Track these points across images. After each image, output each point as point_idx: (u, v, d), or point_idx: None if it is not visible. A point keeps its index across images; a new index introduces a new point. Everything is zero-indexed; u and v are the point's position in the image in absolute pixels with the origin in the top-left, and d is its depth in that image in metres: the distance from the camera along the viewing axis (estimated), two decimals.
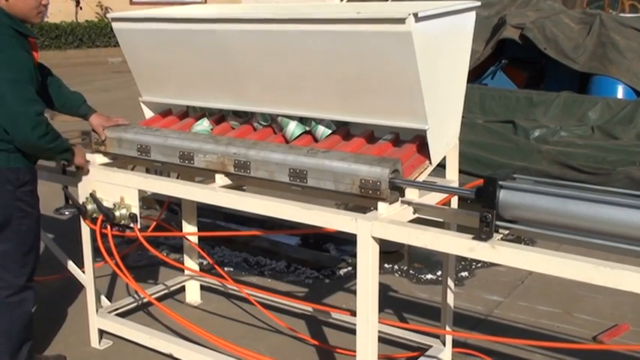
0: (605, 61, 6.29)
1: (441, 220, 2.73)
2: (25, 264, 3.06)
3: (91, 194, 3.23)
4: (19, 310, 3.07)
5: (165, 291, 4.05)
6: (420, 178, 2.71)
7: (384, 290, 4.21)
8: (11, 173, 2.94)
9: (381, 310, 2.63)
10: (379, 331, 2.65)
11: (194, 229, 4.04)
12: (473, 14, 2.88)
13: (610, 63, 6.27)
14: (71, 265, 3.73)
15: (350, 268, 4.57)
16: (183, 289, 4.15)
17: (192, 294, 4.15)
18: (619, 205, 2.12)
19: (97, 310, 3.53)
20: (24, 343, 3.10)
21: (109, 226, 3.19)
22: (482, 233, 2.27)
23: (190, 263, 4.06)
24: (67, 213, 3.42)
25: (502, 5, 7.50)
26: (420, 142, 2.77)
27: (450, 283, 3.21)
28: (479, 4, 2.90)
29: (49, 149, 2.98)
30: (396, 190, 2.56)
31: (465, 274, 4.55)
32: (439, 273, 4.46)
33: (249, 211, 2.84)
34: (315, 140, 2.97)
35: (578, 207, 2.16)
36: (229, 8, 3.81)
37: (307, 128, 3.01)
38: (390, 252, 4.76)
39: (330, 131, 2.95)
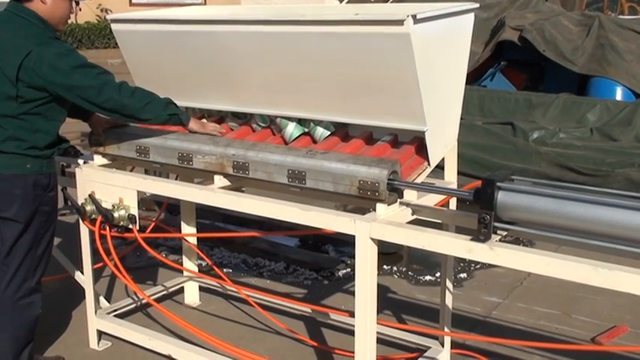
0: (604, 63, 6.29)
1: (440, 221, 2.74)
2: (37, 267, 3.10)
3: (89, 195, 3.23)
4: (28, 313, 3.10)
5: (164, 292, 4.05)
6: (419, 180, 2.72)
7: (382, 291, 4.21)
8: (44, 178, 3.02)
9: (379, 311, 2.63)
10: (378, 332, 2.66)
11: (193, 230, 4.04)
12: (471, 16, 2.89)
13: (609, 65, 6.27)
14: (70, 267, 3.73)
15: (349, 270, 4.57)
16: (182, 290, 4.15)
17: (191, 295, 4.15)
18: (617, 206, 2.12)
19: (95, 311, 3.53)
20: (27, 346, 3.13)
21: (107, 227, 3.19)
22: (481, 234, 2.28)
23: (189, 264, 4.07)
24: (65, 214, 3.42)
25: (501, 7, 7.50)
26: (418, 143, 2.77)
27: (449, 284, 3.22)
28: (477, 6, 2.91)
29: (148, 105, 2.96)
30: (395, 192, 2.56)
31: (463, 275, 4.55)
32: (438, 274, 4.46)
33: (247, 212, 2.85)
34: (314, 141, 2.98)
35: (576, 208, 2.17)
36: (228, 10, 3.81)
37: (306, 129, 3.01)
38: (388, 253, 4.76)
39: (328, 132, 2.96)
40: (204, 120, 3.29)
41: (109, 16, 3.44)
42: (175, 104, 3.07)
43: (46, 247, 3.12)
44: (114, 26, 3.37)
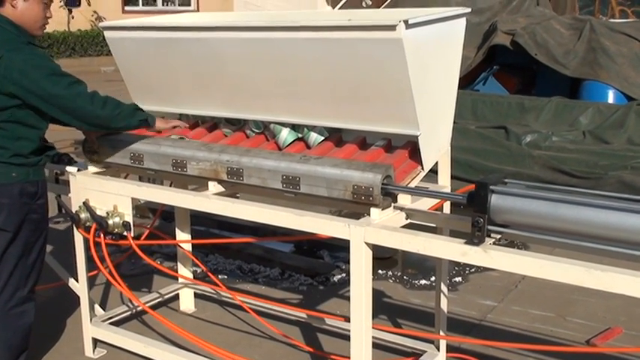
0: (596, 67, 6.32)
1: (434, 225, 2.75)
2: (29, 275, 3.09)
3: (84, 203, 3.23)
4: (21, 321, 3.09)
5: (159, 299, 4.04)
6: (413, 184, 2.73)
7: (378, 296, 4.22)
8: (31, 187, 3.01)
9: (375, 315, 2.64)
10: (373, 337, 2.66)
11: (188, 236, 4.04)
12: (463, 21, 2.90)
13: (600, 68, 6.30)
14: (65, 274, 3.72)
15: (344, 275, 4.57)
16: (177, 297, 4.15)
17: (187, 302, 4.15)
18: (610, 208, 2.13)
19: (90, 319, 3.53)
20: (21, 354, 3.13)
21: (102, 235, 3.19)
22: (475, 238, 2.29)
23: (184, 271, 4.06)
24: (60, 222, 3.43)
25: (493, 12, 7.53)
26: (412, 148, 2.78)
27: (444, 288, 3.22)
28: (469, 10, 2.93)
29: (119, 115, 2.98)
30: (389, 196, 2.57)
31: (458, 279, 4.56)
32: (433, 278, 4.47)
33: (242, 218, 2.85)
34: (308, 147, 2.98)
35: (570, 211, 2.18)
36: (222, 16, 3.82)
37: (300, 135, 3.02)
38: (383, 258, 4.76)
39: (322, 138, 2.96)
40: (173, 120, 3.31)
41: (101, 24, 3.45)
42: (141, 109, 3.11)
43: (38, 255, 3.11)
44: (107, 34, 3.37)
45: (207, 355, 3.22)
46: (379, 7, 7.67)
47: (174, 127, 3.25)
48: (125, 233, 3.15)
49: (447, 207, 3.02)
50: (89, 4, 17.75)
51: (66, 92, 2.87)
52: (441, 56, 2.79)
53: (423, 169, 2.78)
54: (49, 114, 2.95)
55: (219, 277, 4.48)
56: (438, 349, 3.32)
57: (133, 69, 3.40)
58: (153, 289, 4.33)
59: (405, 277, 4.62)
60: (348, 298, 2.76)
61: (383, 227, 2.49)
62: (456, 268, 4.67)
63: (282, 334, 3.58)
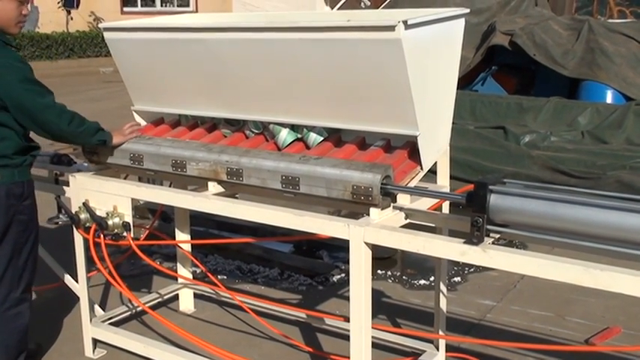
0: (594, 67, 6.34)
1: (433, 225, 2.75)
2: (21, 276, 3.09)
3: (84, 203, 3.23)
4: (16, 323, 3.10)
5: (159, 299, 4.05)
6: (412, 184, 2.74)
7: (377, 296, 4.23)
8: (17, 188, 3.00)
9: (374, 315, 2.64)
10: (373, 337, 2.67)
11: (187, 237, 4.05)
12: (462, 21, 2.91)
13: (599, 68, 6.32)
14: (64, 275, 3.73)
15: (343, 275, 4.58)
16: (176, 297, 4.15)
17: (186, 302, 4.16)
18: (609, 208, 2.14)
19: (90, 320, 3.53)
20: (19, 355, 3.13)
21: (102, 235, 3.19)
22: (474, 237, 2.29)
23: (184, 271, 4.07)
24: (59, 222, 3.43)
25: (491, 12, 7.56)
26: (411, 148, 2.79)
27: (443, 288, 3.23)
28: (468, 11, 2.93)
29: (82, 132, 3.04)
30: (388, 196, 2.58)
31: (457, 279, 4.57)
32: (432, 278, 4.47)
33: (242, 218, 2.85)
34: (307, 147, 2.99)
35: (568, 210, 2.18)
36: (221, 17, 3.83)
37: (299, 135, 3.02)
38: (382, 258, 4.77)
39: (321, 138, 2.97)
40: (128, 126, 3.32)
41: (101, 25, 3.45)
42: (102, 130, 3.15)
43: (28, 255, 3.10)
44: (106, 34, 3.38)
45: (206, 355, 3.23)
46: (378, 8, 7.68)
47: (131, 131, 3.26)
48: (125, 234, 3.15)
49: (446, 207, 3.03)
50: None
51: (36, 102, 2.90)
52: (439, 57, 2.80)
53: (422, 169, 2.78)
54: (16, 119, 2.93)
55: (219, 277, 4.49)
56: (438, 349, 3.33)
57: (133, 70, 3.41)
58: (152, 289, 4.33)
59: (404, 277, 4.63)
60: (347, 298, 2.77)
61: (382, 227, 2.50)
62: (455, 268, 4.67)
63: (281, 334, 3.59)
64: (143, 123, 3.53)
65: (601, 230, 2.15)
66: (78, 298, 3.56)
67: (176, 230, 4.03)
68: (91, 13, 19.04)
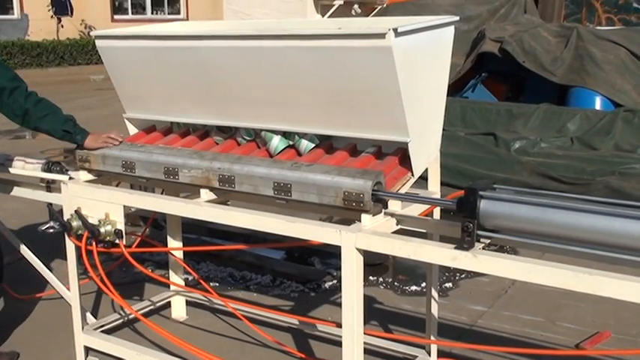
0: (583, 74, 6.39)
1: (424, 230, 2.76)
2: None
3: (76, 211, 3.23)
4: None
5: (151, 307, 4.05)
6: (403, 190, 2.75)
7: (369, 302, 4.24)
8: None
9: (366, 321, 2.65)
10: (365, 343, 2.67)
11: (179, 244, 4.05)
12: (452, 29, 2.94)
13: (587, 75, 6.37)
14: (56, 283, 3.72)
15: (335, 281, 4.59)
16: (168, 304, 4.15)
17: (178, 309, 4.15)
18: (597, 213, 2.16)
19: (82, 327, 3.52)
20: None
21: (94, 243, 3.19)
22: (464, 243, 2.31)
23: (176, 279, 4.07)
24: (51, 230, 3.43)
25: (481, 19, 7.60)
26: (402, 154, 2.81)
27: (434, 293, 3.25)
28: (457, 18, 2.96)
29: (48, 117, 3.12)
30: (379, 202, 2.59)
31: (449, 285, 4.59)
32: (423, 285, 4.49)
33: (234, 224, 2.86)
34: (299, 154, 3.01)
35: (557, 215, 2.21)
36: (212, 25, 3.84)
37: (291, 142, 3.04)
38: (374, 264, 4.79)
39: (313, 145, 2.99)
40: (109, 134, 3.33)
41: (93, 33, 3.46)
42: (74, 123, 3.21)
43: None
44: (98, 42, 3.39)
45: None
46: (368, 16, 7.71)
47: (105, 142, 3.28)
48: (117, 241, 3.15)
49: (437, 213, 3.05)
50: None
51: (7, 84, 3.06)
52: (430, 64, 2.83)
53: (413, 175, 2.80)
54: None
55: (211, 284, 4.49)
56: (430, 354, 3.34)
57: (124, 77, 3.42)
58: (144, 296, 4.33)
59: (395, 284, 4.65)
60: (339, 305, 2.78)
61: (374, 233, 2.51)
62: (446, 274, 4.69)
63: (274, 341, 3.59)
64: (133, 132, 3.54)
65: (591, 235, 2.17)
66: (70, 306, 3.56)
67: (168, 237, 4.03)
68: (81, 21, 19.02)
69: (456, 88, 6.98)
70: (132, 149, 3.22)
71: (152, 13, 21.62)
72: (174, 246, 4.02)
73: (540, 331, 3.91)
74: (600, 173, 5.35)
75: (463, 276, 4.68)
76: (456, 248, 2.32)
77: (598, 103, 6.33)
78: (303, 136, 2.99)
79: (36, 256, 3.78)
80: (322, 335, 3.71)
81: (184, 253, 4.13)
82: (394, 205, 2.71)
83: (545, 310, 4.15)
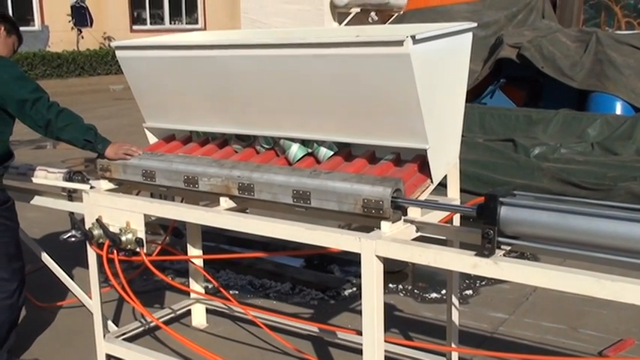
0: (603, 78, 6.34)
1: (444, 237, 2.76)
2: (13, 270, 3.34)
3: (97, 220, 3.26)
4: (7, 314, 3.32)
5: (172, 315, 4.06)
6: (422, 197, 2.75)
7: (389, 310, 4.22)
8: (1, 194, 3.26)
9: (386, 329, 2.64)
10: (385, 350, 2.67)
11: (199, 252, 4.07)
12: (470, 35, 2.93)
13: (607, 80, 6.32)
14: (78, 291, 3.75)
15: (355, 289, 4.58)
16: (189, 312, 4.17)
17: (199, 317, 4.17)
18: (619, 219, 2.14)
19: (104, 335, 3.55)
20: (3, 344, 3.34)
21: (115, 251, 3.22)
22: (485, 250, 2.30)
23: (196, 286, 4.09)
24: (73, 239, 3.47)
25: (499, 25, 7.57)
26: (420, 161, 2.80)
27: (455, 300, 3.23)
28: (475, 25, 2.96)
29: (69, 126, 3.18)
30: (399, 209, 2.59)
31: (469, 292, 4.56)
32: (443, 292, 4.47)
33: (253, 232, 2.87)
34: (318, 162, 3.01)
35: (578, 221, 2.19)
36: (230, 34, 3.87)
37: (309, 150, 3.05)
38: (393, 272, 4.77)
39: (332, 152, 2.99)
40: (131, 146, 3.36)
41: (113, 43, 3.50)
42: (96, 132, 3.27)
43: (15, 251, 3.39)
44: (118, 53, 3.42)
45: None
46: (385, 23, 7.72)
47: (126, 153, 3.30)
48: (138, 249, 3.17)
49: (456, 219, 3.04)
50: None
51: (30, 95, 3.13)
52: (448, 70, 2.82)
53: (432, 182, 2.80)
54: (9, 112, 3.19)
55: (231, 292, 4.50)
56: None
57: (144, 87, 3.45)
58: (165, 304, 4.35)
59: (415, 291, 4.63)
60: (359, 312, 2.77)
61: (394, 240, 2.51)
62: (467, 281, 4.67)
63: (294, 349, 3.59)
64: (153, 141, 3.57)
65: (612, 241, 2.15)
66: (91, 314, 3.58)
67: (188, 246, 4.05)
68: (103, 33, 19.23)
69: (474, 94, 6.96)
70: (152, 158, 3.25)
71: (170, 23, 21.79)
72: (195, 254, 4.04)
73: (562, 338, 3.88)
74: (621, 179, 5.30)
75: (484, 283, 4.66)
76: (476, 255, 2.31)
77: (618, 108, 6.28)
78: (321, 143, 3.00)
79: (58, 264, 3.82)
80: (342, 343, 3.70)
81: (204, 261, 4.15)
82: (414, 212, 2.70)
83: (567, 317, 4.12)
